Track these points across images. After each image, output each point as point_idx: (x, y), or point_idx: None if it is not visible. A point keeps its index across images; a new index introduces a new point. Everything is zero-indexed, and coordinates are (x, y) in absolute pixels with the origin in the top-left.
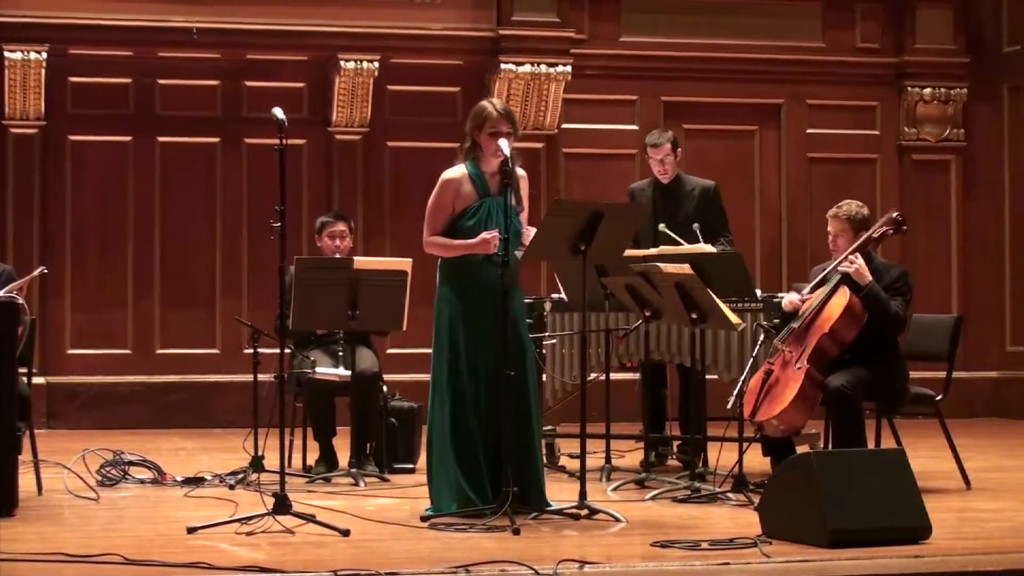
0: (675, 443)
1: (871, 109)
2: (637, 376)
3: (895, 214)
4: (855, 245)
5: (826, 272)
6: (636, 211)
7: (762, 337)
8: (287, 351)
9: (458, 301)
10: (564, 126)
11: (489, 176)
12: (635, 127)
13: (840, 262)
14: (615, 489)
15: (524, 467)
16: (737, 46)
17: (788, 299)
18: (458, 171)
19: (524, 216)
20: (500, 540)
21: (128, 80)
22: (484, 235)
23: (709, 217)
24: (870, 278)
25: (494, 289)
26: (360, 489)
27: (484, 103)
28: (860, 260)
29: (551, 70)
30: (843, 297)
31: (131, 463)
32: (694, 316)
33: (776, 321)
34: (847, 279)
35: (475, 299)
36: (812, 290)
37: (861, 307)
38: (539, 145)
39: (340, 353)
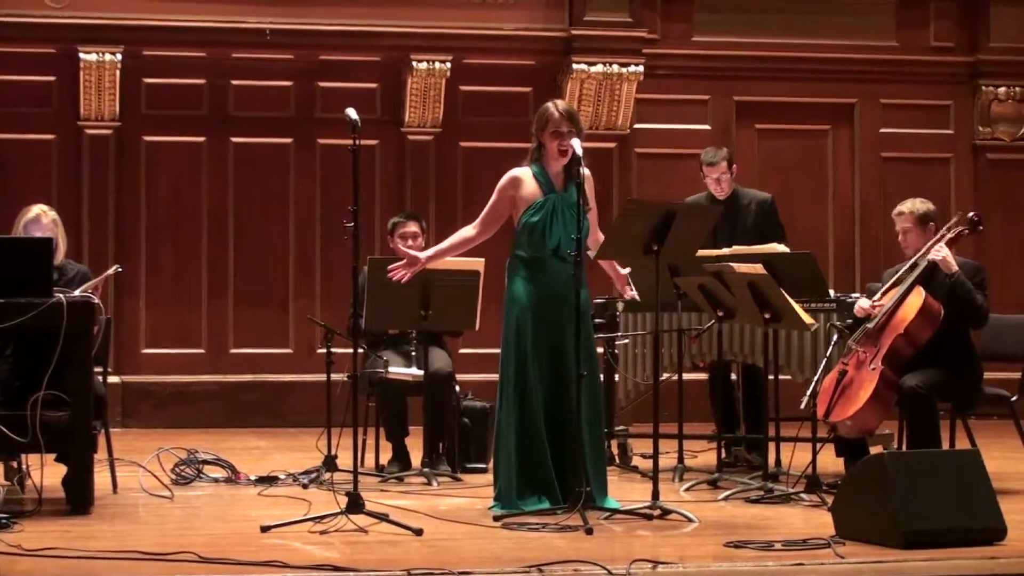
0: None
1: (945, 108)
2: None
3: (971, 214)
4: (937, 236)
5: (914, 260)
6: (709, 211)
7: (835, 337)
8: (360, 351)
9: (526, 299)
10: (636, 126)
11: (554, 175)
12: (708, 127)
13: (928, 250)
14: (688, 489)
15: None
16: (810, 45)
17: (859, 305)
18: (523, 170)
19: (592, 216)
20: (573, 540)
21: (202, 81)
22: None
23: (765, 230)
24: (956, 267)
25: (562, 288)
26: (433, 489)
27: (547, 104)
28: (946, 249)
29: (623, 70)
30: (918, 297)
31: (205, 462)
32: (767, 316)
33: (849, 321)
34: (925, 277)
35: (543, 297)
36: (884, 293)
37: (937, 308)
38: (611, 145)
39: (413, 353)
